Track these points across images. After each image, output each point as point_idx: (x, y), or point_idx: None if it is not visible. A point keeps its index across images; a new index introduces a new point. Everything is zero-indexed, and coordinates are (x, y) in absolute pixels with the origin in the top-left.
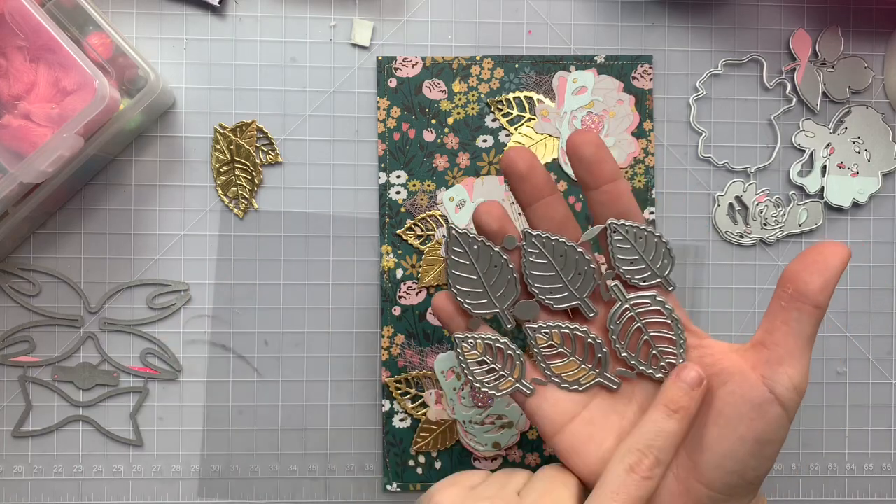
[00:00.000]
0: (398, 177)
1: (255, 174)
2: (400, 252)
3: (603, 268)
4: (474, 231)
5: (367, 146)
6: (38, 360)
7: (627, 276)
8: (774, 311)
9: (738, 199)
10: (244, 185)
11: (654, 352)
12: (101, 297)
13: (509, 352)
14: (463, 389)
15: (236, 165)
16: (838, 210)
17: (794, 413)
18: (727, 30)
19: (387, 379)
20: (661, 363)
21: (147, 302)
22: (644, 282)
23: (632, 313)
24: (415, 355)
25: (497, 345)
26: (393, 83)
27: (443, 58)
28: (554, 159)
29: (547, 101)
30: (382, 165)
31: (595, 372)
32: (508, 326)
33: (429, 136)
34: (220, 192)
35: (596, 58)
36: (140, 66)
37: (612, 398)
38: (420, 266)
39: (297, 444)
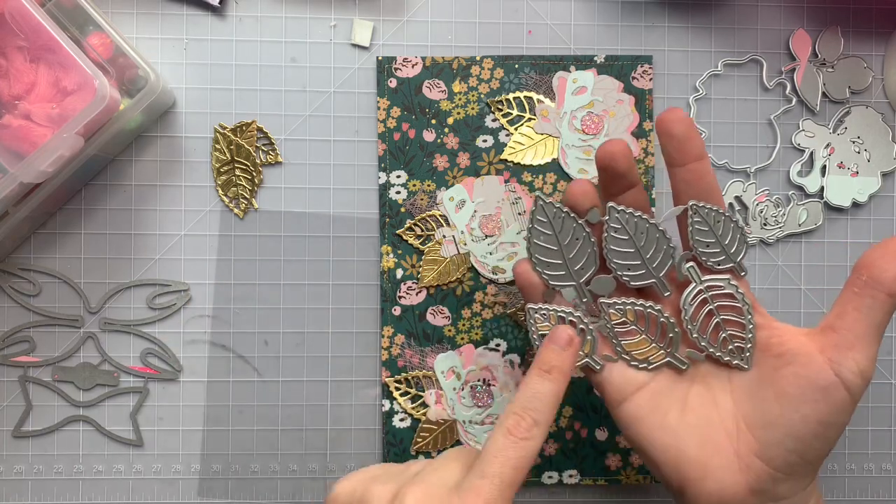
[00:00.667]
0: (398, 177)
1: (255, 174)
2: (400, 252)
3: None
4: (559, 202)
5: (367, 146)
6: (39, 360)
7: (703, 259)
8: (847, 296)
9: (737, 199)
10: (244, 185)
11: (723, 335)
12: (102, 297)
13: (581, 326)
14: (463, 390)
15: (236, 165)
16: (838, 210)
17: (859, 398)
18: (727, 30)
19: (387, 379)
20: (730, 346)
21: (147, 302)
22: (718, 265)
23: (705, 295)
24: (415, 355)
25: (570, 318)
26: (393, 83)
27: (443, 58)
28: (554, 159)
29: (547, 101)
30: (382, 165)
31: (665, 351)
32: (584, 300)
33: (429, 136)
34: (220, 192)
35: (596, 58)
36: (140, 66)
37: (677, 375)
38: (420, 266)
39: (297, 444)
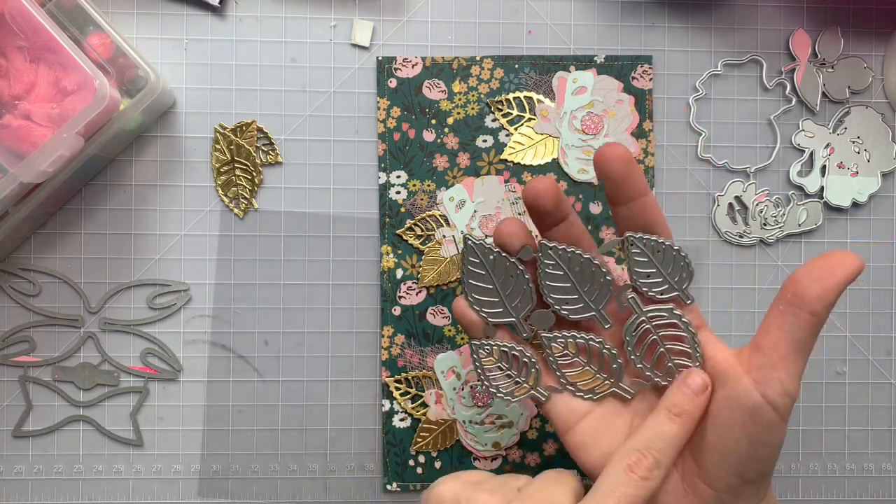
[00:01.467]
0: (398, 177)
1: (255, 174)
2: (400, 252)
3: (622, 280)
4: (490, 241)
5: (367, 146)
6: (39, 360)
7: (644, 289)
8: (772, 314)
9: (737, 199)
10: (244, 185)
11: (669, 364)
12: (102, 297)
13: (524, 359)
14: (463, 389)
15: (236, 165)
16: (838, 210)
17: (787, 416)
18: (727, 30)
19: (387, 379)
20: (676, 375)
21: (147, 302)
22: (661, 294)
23: (647, 325)
24: (415, 355)
25: (513, 352)
26: (393, 83)
27: (443, 58)
28: (554, 159)
29: (547, 101)
30: (382, 165)
31: (610, 382)
32: (524, 335)
33: (429, 136)
34: (220, 192)
35: (596, 58)
36: (140, 66)
37: (623, 403)
38: (420, 266)
39: (297, 444)
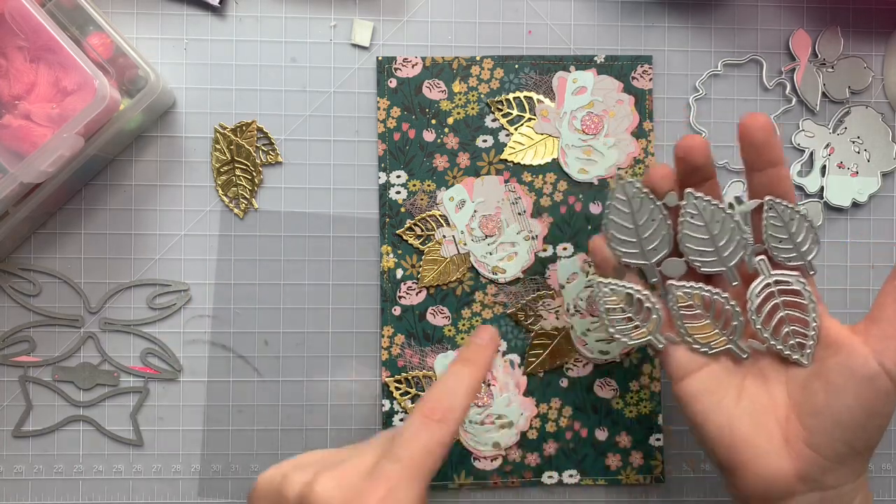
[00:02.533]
0: (398, 177)
1: (255, 174)
2: (400, 252)
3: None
4: (639, 183)
5: (368, 146)
6: (39, 360)
7: (774, 254)
8: (888, 290)
9: (737, 199)
10: (244, 185)
11: (786, 329)
12: (102, 297)
13: (648, 304)
14: None
15: (236, 165)
16: (838, 210)
17: None
18: (727, 30)
19: (387, 379)
20: (791, 342)
21: (147, 302)
22: (789, 261)
23: (773, 289)
24: (415, 355)
25: (638, 296)
26: (393, 83)
27: (443, 58)
28: (554, 159)
29: (547, 101)
30: (382, 165)
31: (728, 338)
32: (653, 280)
33: (429, 136)
34: (220, 192)
35: (595, 58)
36: (140, 66)
37: (736, 362)
38: (420, 266)
39: (297, 444)
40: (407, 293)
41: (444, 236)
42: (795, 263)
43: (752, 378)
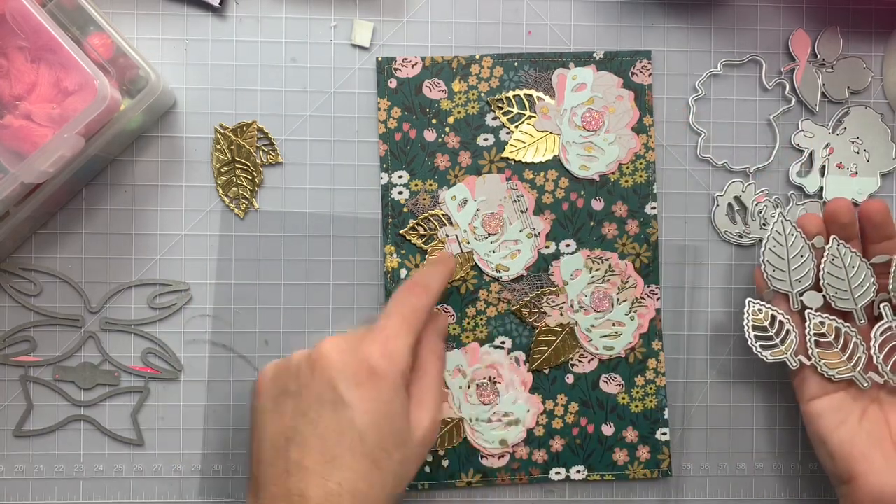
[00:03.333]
0: (400, 177)
1: (255, 174)
2: (403, 252)
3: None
4: (795, 223)
5: (368, 146)
6: (40, 360)
7: None
8: None
9: (737, 199)
10: (245, 186)
11: None
12: (102, 297)
13: (788, 327)
14: (469, 388)
15: (237, 165)
16: None
17: None
18: (726, 30)
19: None
20: None
21: (148, 302)
22: None
23: (893, 332)
24: None
25: (781, 318)
26: (393, 84)
27: (442, 57)
28: (555, 156)
29: (547, 98)
30: (384, 166)
31: (852, 367)
32: (794, 307)
33: (430, 135)
34: (220, 192)
35: (595, 54)
36: (141, 66)
37: (859, 390)
38: (423, 265)
39: None
40: None
41: (448, 235)
42: None
43: (872, 405)
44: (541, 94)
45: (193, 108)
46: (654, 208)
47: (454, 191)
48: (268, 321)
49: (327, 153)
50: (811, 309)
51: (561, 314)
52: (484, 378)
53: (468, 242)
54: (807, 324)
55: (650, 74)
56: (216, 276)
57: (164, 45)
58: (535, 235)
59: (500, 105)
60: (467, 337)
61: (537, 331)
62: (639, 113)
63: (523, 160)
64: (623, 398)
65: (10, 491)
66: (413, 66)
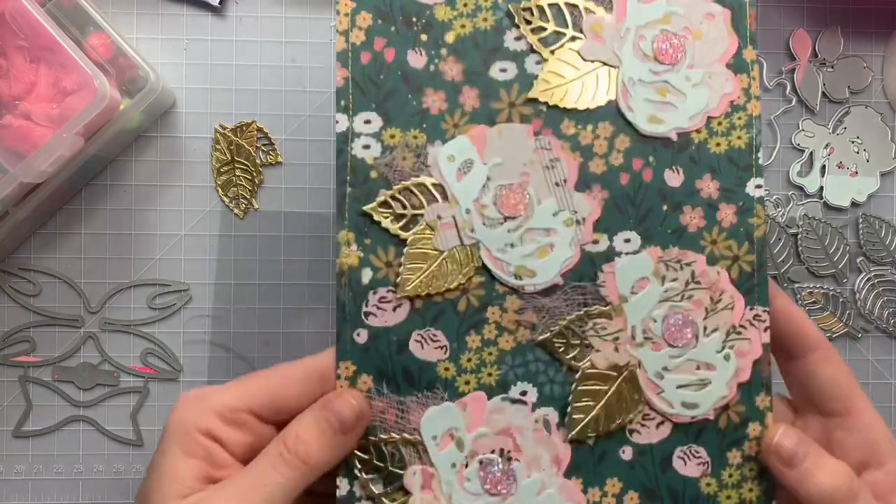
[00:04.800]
0: (367, 122)
1: (255, 174)
2: (368, 242)
3: None
4: None
5: None
6: (39, 360)
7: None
8: None
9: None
10: (244, 186)
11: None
12: (102, 297)
13: None
14: (467, 466)
15: (236, 165)
16: (837, 210)
17: None
18: None
19: None
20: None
21: (147, 302)
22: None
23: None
24: (389, 407)
25: None
26: None
27: None
28: (610, 101)
29: (600, 10)
30: (342, 103)
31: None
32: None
33: (416, 59)
34: (220, 192)
35: None
36: (140, 66)
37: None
38: (400, 265)
39: None
40: (379, 308)
41: (440, 217)
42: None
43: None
44: (591, 4)
45: (193, 107)
46: (759, 187)
47: (452, 147)
48: (267, 321)
49: (327, 153)
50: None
51: (616, 349)
52: (492, 451)
53: (472, 230)
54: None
55: None
56: (216, 276)
57: (164, 45)
58: (578, 223)
59: (529, 18)
60: (466, 382)
61: (579, 374)
62: (737, 41)
63: (561, 105)
64: (708, 485)
65: (10, 491)
66: None
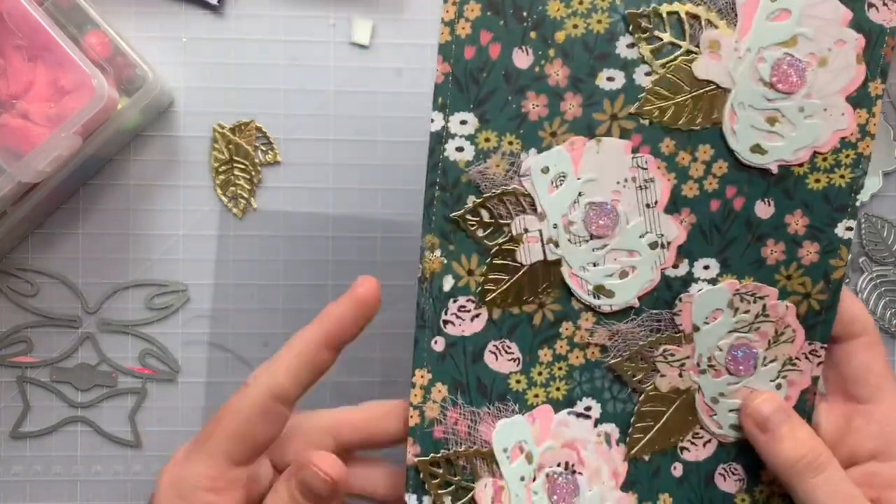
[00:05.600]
0: (463, 122)
1: (254, 174)
2: (452, 248)
3: None
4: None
5: (367, 146)
6: (36, 361)
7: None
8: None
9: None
10: (243, 185)
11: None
12: (100, 298)
13: None
14: (535, 479)
15: (235, 165)
16: None
17: None
18: None
19: (417, 459)
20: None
21: (145, 302)
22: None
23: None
24: (462, 419)
25: None
26: None
27: None
28: (716, 124)
29: (723, 24)
30: (440, 100)
31: None
32: None
33: (522, 58)
34: (218, 191)
35: None
36: (138, 65)
37: None
38: (483, 274)
39: None
40: (458, 316)
41: (527, 230)
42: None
43: None
44: (714, 17)
45: (191, 106)
46: (849, 229)
47: (547, 158)
48: (266, 322)
49: (326, 153)
50: None
51: (680, 374)
52: (558, 464)
53: (557, 246)
54: None
55: None
56: (214, 276)
57: (162, 44)
58: (663, 246)
59: (645, 25)
60: (536, 395)
61: (643, 396)
62: (864, 73)
63: (664, 123)
64: (742, 500)
65: (7, 493)
66: None
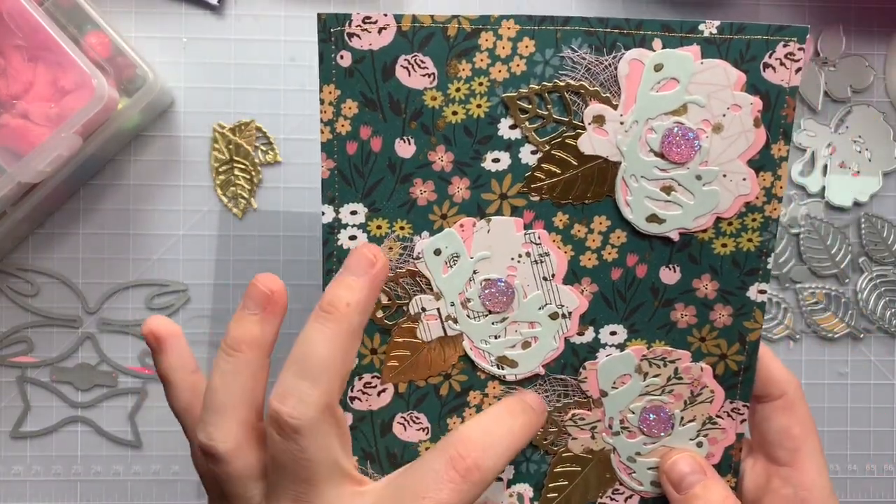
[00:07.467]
0: (353, 213)
1: (253, 174)
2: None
3: None
4: None
5: None
6: (37, 361)
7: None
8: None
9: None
10: (243, 185)
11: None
12: (100, 298)
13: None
14: None
15: (235, 165)
16: (839, 210)
17: None
18: None
19: None
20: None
21: (146, 302)
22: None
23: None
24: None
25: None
26: (345, 60)
27: (431, 18)
28: (609, 197)
29: (607, 96)
30: (328, 195)
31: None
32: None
33: (405, 148)
34: (218, 191)
35: (702, 27)
36: (138, 65)
37: None
38: (385, 352)
39: None
40: (364, 392)
41: (424, 309)
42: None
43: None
44: (596, 90)
45: (191, 107)
46: (762, 292)
47: (440, 240)
48: None
49: None
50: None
51: (592, 436)
52: None
53: (456, 322)
54: (799, 296)
55: (798, 70)
56: (214, 276)
57: (162, 44)
58: (564, 317)
59: (526, 106)
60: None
61: (554, 457)
62: (765, 135)
63: (555, 199)
64: None
65: (7, 493)
66: (381, 32)
